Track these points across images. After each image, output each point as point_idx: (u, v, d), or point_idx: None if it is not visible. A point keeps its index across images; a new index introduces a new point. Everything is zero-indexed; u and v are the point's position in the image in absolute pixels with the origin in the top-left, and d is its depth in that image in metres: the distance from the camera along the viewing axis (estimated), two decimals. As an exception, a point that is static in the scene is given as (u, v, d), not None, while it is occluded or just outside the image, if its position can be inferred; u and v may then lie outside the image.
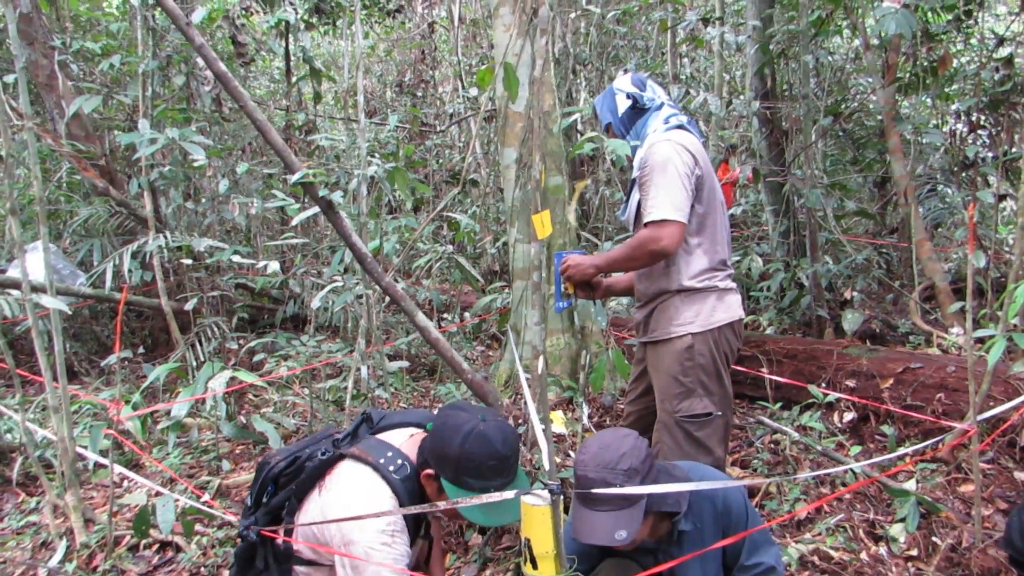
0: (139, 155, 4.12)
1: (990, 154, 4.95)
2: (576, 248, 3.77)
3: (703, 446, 2.23)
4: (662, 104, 2.39)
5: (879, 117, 5.18)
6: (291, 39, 6.09)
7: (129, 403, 3.49)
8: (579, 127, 5.85)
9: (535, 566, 1.51)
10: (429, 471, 1.75)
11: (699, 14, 4.90)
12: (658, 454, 2.27)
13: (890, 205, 6.34)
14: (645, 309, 2.39)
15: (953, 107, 5.49)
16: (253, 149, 6.09)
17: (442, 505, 1.63)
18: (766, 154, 5.11)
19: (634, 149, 2.38)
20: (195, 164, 4.30)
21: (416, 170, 7.70)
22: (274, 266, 3.88)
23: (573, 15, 5.77)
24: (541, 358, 1.54)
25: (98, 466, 3.56)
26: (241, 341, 4.77)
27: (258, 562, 1.89)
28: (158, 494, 2.77)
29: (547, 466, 1.49)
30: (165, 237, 4.51)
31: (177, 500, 2.76)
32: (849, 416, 3.36)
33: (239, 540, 1.92)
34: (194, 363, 4.47)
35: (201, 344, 4.58)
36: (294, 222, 3.49)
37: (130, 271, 4.68)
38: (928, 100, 5.51)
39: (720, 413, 2.26)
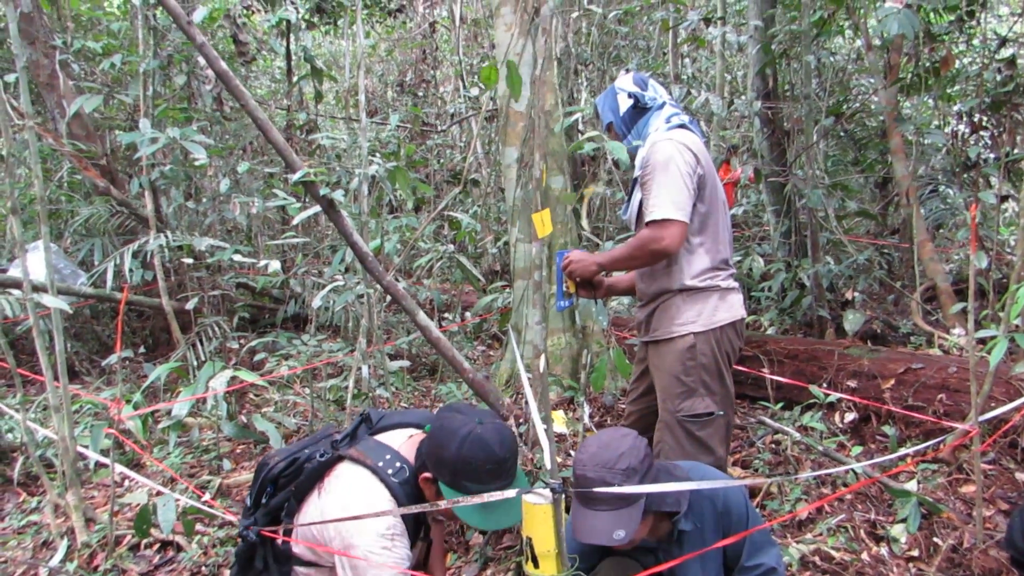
0: (140, 154, 4.12)
1: (992, 155, 4.94)
2: (578, 248, 3.77)
3: (704, 446, 2.23)
4: (664, 103, 2.39)
5: (881, 118, 5.18)
6: (292, 38, 6.09)
7: (130, 402, 3.49)
8: (580, 127, 5.84)
9: (536, 565, 1.51)
10: (427, 474, 1.75)
11: (701, 14, 4.90)
12: (659, 454, 2.27)
13: (892, 206, 6.33)
14: (647, 308, 2.39)
15: (955, 108, 5.48)
16: (254, 148, 6.09)
17: (441, 504, 1.63)
18: (767, 154, 5.11)
19: (636, 148, 2.38)
20: (196, 163, 4.31)
21: (417, 170, 7.70)
22: (275, 265, 3.88)
23: (575, 15, 5.77)
24: (543, 357, 1.53)
25: (99, 465, 3.56)
26: (242, 340, 4.77)
27: (257, 562, 1.89)
28: (159, 493, 2.77)
29: (549, 465, 1.49)
30: (166, 236, 4.51)
31: (178, 500, 2.75)
32: (850, 416, 3.36)
33: (240, 540, 1.92)
34: (195, 362, 4.46)
35: (202, 343, 4.58)
36: (295, 221, 3.49)
37: (131, 270, 4.68)
38: (930, 101, 5.50)
39: (722, 413, 2.26)
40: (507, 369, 4.11)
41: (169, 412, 3.30)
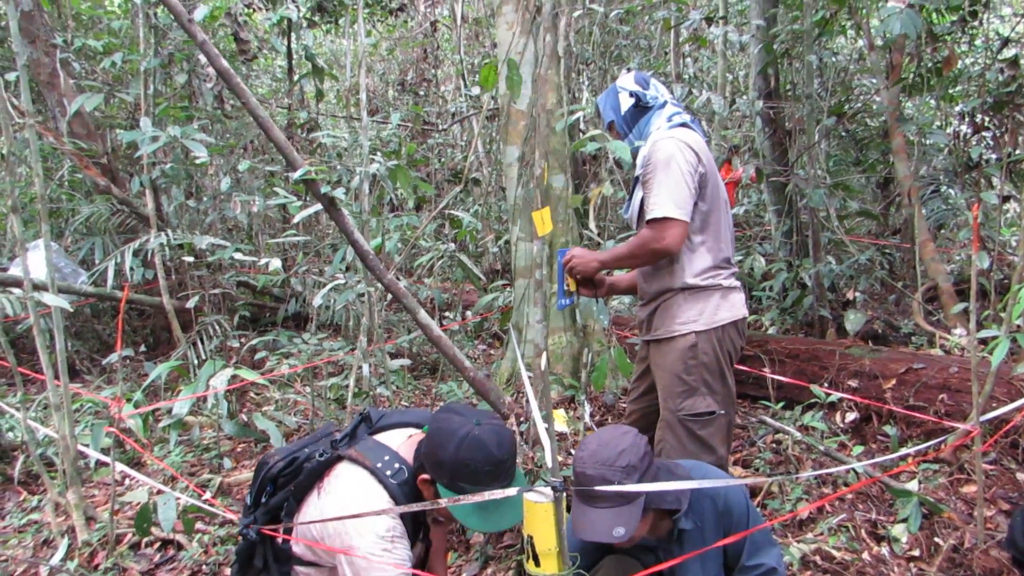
0: (141, 153, 4.12)
1: (994, 156, 4.93)
2: (579, 247, 3.76)
3: (706, 445, 2.23)
4: (665, 103, 2.39)
5: (883, 118, 5.18)
6: (293, 37, 6.08)
7: (131, 401, 3.49)
8: (582, 126, 5.84)
9: (538, 563, 1.51)
10: (425, 476, 1.74)
11: (703, 13, 4.89)
12: (661, 452, 2.27)
13: (893, 206, 6.33)
14: (648, 307, 2.39)
15: (957, 108, 5.47)
16: (255, 147, 6.09)
17: (440, 503, 1.63)
18: (769, 154, 5.10)
19: (637, 148, 2.37)
20: (197, 162, 4.30)
21: (418, 168, 7.70)
22: (276, 264, 3.87)
23: (576, 13, 5.77)
24: (544, 355, 1.53)
25: (100, 464, 3.56)
26: (243, 339, 4.76)
27: (257, 561, 1.89)
28: (160, 492, 2.77)
29: (550, 464, 1.48)
30: (167, 235, 4.51)
31: (178, 498, 2.75)
32: (851, 416, 3.36)
33: (240, 538, 1.92)
34: (195, 361, 4.46)
35: (203, 342, 4.58)
36: (296, 220, 3.49)
37: (132, 269, 4.68)
38: (932, 101, 5.49)
39: (723, 412, 2.26)
40: (508, 368, 4.10)
41: (170, 411, 3.30)
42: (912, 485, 2.71)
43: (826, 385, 3.37)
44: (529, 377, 2.12)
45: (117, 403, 2.98)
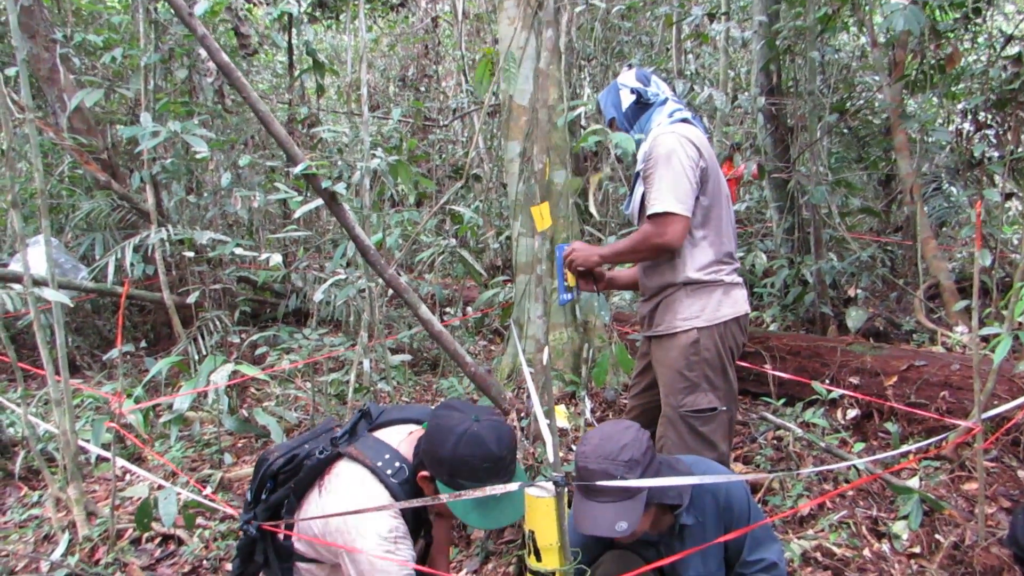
0: (141, 148, 4.11)
1: (996, 153, 4.92)
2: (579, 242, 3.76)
3: (707, 441, 2.22)
4: (666, 99, 2.38)
5: (885, 115, 5.16)
6: (294, 32, 6.07)
7: (131, 397, 3.49)
8: (583, 122, 5.83)
9: (539, 558, 1.51)
10: (425, 473, 1.74)
11: (705, 9, 4.88)
12: (662, 448, 2.27)
13: (895, 203, 6.31)
14: (650, 303, 2.38)
15: (960, 106, 5.46)
16: (256, 142, 6.08)
17: (442, 498, 1.62)
18: (771, 151, 5.09)
19: (638, 143, 2.37)
20: (197, 157, 4.30)
21: (419, 164, 7.69)
22: (276, 259, 3.87)
23: (578, 9, 5.75)
24: (546, 350, 1.53)
25: (100, 459, 3.56)
26: (243, 335, 4.76)
27: (257, 556, 1.89)
28: (160, 487, 2.77)
29: (551, 459, 1.48)
30: (167, 231, 4.50)
31: (179, 493, 2.75)
32: (853, 413, 3.36)
33: (241, 534, 1.92)
34: (196, 357, 4.46)
35: (203, 338, 4.58)
36: (296, 215, 3.48)
37: (132, 265, 4.67)
38: (935, 98, 5.47)
39: (725, 408, 2.25)
40: (509, 364, 4.10)
41: (170, 406, 3.30)
42: (913, 482, 2.71)
43: (827, 382, 3.36)
44: (530, 372, 2.12)
45: (118, 399, 2.98)
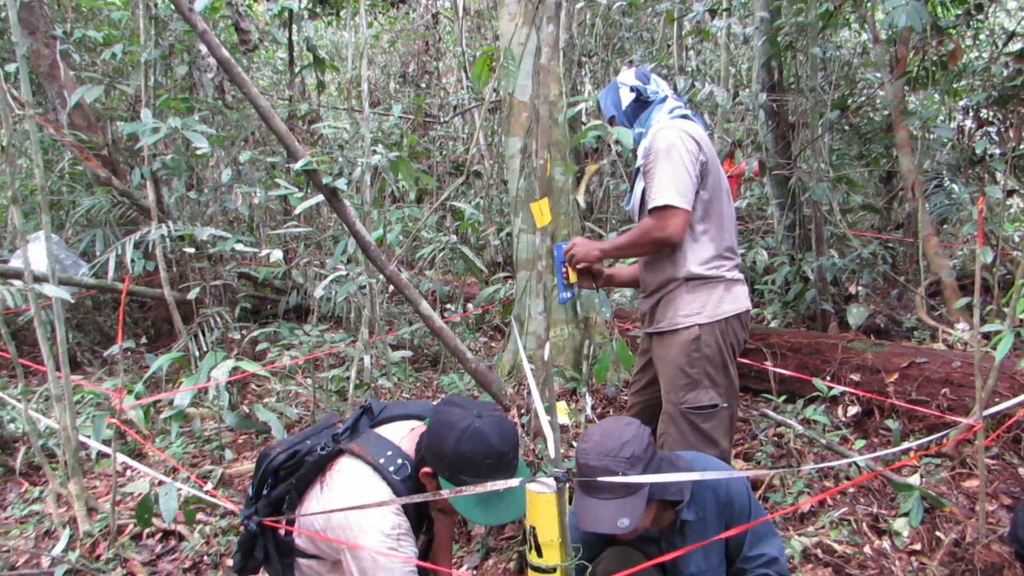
0: (141, 144, 4.11)
1: (998, 150, 4.92)
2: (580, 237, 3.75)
3: (708, 438, 2.22)
4: (666, 97, 2.38)
5: (886, 111, 5.15)
6: (295, 28, 6.06)
7: (132, 393, 3.49)
8: (584, 118, 5.82)
9: (540, 554, 1.51)
10: (427, 469, 1.74)
11: (706, 6, 4.87)
12: (663, 445, 2.27)
13: (896, 200, 6.31)
14: (651, 299, 2.38)
15: (961, 103, 5.45)
16: (256, 138, 6.07)
17: (444, 493, 1.62)
18: (772, 147, 5.08)
19: (638, 140, 2.37)
20: (198, 153, 4.29)
21: (420, 160, 7.67)
22: (277, 255, 3.87)
23: (579, 5, 5.74)
24: (547, 346, 1.52)
25: (101, 455, 3.57)
26: (244, 331, 4.76)
27: (258, 552, 1.89)
28: (161, 483, 2.77)
29: (552, 454, 1.48)
30: (168, 227, 4.50)
31: (180, 489, 2.76)
32: (853, 410, 3.35)
33: (241, 529, 1.92)
34: (197, 353, 4.47)
35: (204, 334, 4.58)
36: (297, 211, 3.48)
37: (133, 261, 4.67)
38: (936, 95, 5.46)
39: (726, 405, 2.25)
40: (509, 360, 4.10)
41: (171, 402, 3.30)
42: (914, 479, 2.71)
43: (828, 379, 3.36)
44: (531, 369, 2.12)
45: (118, 394, 2.98)
